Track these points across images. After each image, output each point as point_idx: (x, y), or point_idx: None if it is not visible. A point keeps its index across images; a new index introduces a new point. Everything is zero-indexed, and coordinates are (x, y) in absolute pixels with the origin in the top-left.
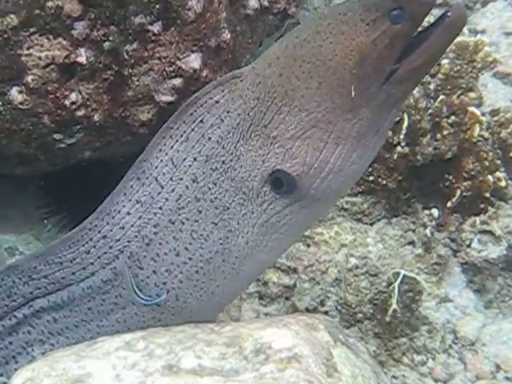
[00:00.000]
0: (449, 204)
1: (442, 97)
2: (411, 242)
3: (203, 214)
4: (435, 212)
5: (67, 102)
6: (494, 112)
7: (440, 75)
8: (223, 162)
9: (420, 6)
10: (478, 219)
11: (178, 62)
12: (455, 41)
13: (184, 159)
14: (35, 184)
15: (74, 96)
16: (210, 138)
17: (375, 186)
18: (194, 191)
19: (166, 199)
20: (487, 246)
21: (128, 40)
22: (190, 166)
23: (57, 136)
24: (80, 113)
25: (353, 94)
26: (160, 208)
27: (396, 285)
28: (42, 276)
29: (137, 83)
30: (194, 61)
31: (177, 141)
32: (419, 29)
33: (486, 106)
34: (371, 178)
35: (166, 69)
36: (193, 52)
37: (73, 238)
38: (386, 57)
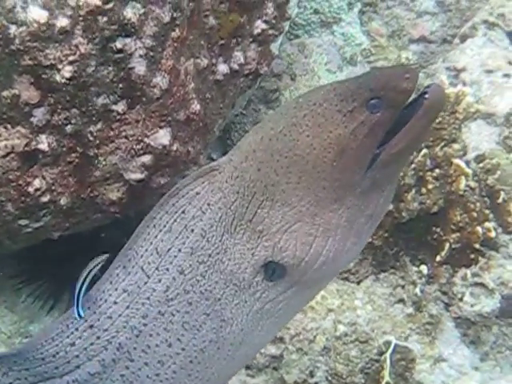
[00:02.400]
0: (438, 258)
1: (424, 150)
2: (401, 300)
3: (194, 306)
4: (424, 269)
5: (31, 189)
6: (480, 158)
7: None
8: (209, 256)
9: (398, 95)
10: (468, 272)
11: (145, 140)
12: None
13: (168, 249)
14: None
15: (37, 182)
16: (192, 230)
17: None
18: (182, 283)
19: (153, 289)
20: (480, 299)
21: (92, 121)
22: (176, 256)
23: (22, 222)
24: (45, 198)
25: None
26: (148, 298)
27: (388, 355)
28: (22, 368)
29: (104, 163)
30: (162, 137)
31: (160, 230)
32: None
33: (471, 148)
34: None
35: (134, 147)
36: (161, 128)
37: (56, 329)
38: (366, 146)
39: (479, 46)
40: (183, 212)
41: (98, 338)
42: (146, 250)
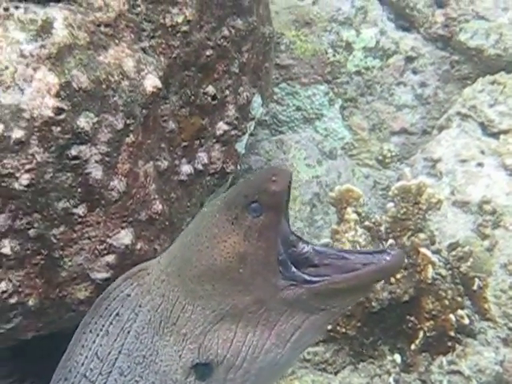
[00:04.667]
0: (413, 346)
1: (391, 241)
2: None
3: None
4: (398, 358)
5: None
6: (452, 246)
7: (387, 218)
8: (144, 357)
9: (272, 197)
10: (444, 360)
11: (108, 240)
12: (398, 185)
13: (109, 353)
14: None
15: (3, 285)
16: (129, 332)
17: (335, 334)
18: None
19: None
20: None
21: (54, 224)
22: (116, 359)
23: None
24: (13, 300)
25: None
26: None
27: None
28: None
29: (69, 264)
30: (124, 237)
31: (97, 335)
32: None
33: (447, 236)
34: (329, 327)
35: (97, 247)
36: (122, 228)
37: None
38: (264, 248)
39: (453, 136)
40: (117, 314)
41: None
42: (86, 357)
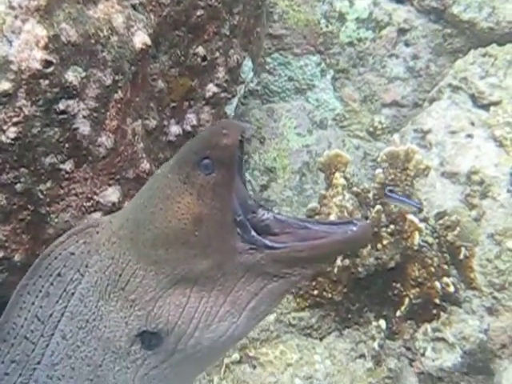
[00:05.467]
0: (398, 313)
1: (378, 207)
2: (362, 355)
3: (77, 371)
4: (383, 323)
5: None
6: (440, 215)
7: (376, 184)
8: (87, 321)
9: (223, 152)
10: (429, 327)
11: (95, 197)
12: (386, 150)
13: (50, 315)
14: None
15: None
16: (72, 294)
17: (321, 300)
18: (65, 348)
19: (42, 354)
20: (441, 353)
21: (41, 180)
22: (59, 321)
23: None
24: None
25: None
26: (38, 363)
27: None
28: None
29: (56, 220)
30: (111, 194)
31: (37, 296)
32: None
33: (435, 206)
34: (316, 292)
35: (84, 204)
36: (110, 186)
37: None
38: (219, 208)
39: (444, 108)
40: (59, 275)
41: None
42: (26, 319)
